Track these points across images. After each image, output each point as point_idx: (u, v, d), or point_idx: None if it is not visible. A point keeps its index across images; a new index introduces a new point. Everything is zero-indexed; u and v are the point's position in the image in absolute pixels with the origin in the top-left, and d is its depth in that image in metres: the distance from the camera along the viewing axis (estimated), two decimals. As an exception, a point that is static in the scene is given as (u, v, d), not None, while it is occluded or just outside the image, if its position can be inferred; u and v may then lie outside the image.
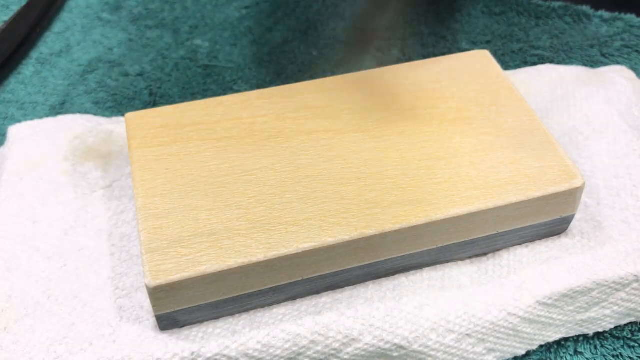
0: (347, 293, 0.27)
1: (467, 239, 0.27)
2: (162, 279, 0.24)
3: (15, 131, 0.33)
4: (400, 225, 0.25)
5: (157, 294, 0.24)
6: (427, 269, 0.28)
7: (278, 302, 0.26)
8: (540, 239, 0.29)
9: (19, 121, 0.37)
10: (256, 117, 0.30)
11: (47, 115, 0.38)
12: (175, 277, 0.24)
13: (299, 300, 0.27)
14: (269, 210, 0.26)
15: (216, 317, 0.26)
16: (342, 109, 0.30)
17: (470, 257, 0.28)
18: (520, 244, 0.28)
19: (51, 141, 0.33)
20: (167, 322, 0.25)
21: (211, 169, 0.27)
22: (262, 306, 0.26)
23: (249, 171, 0.27)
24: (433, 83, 0.31)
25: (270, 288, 0.25)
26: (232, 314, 0.26)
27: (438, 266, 0.28)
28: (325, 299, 0.26)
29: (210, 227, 0.25)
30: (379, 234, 0.25)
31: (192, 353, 0.25)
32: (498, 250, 0.28)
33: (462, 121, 0.29)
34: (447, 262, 0.28)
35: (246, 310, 0.26)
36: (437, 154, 0.28)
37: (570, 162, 0.28)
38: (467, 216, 0.26)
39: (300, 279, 0.26)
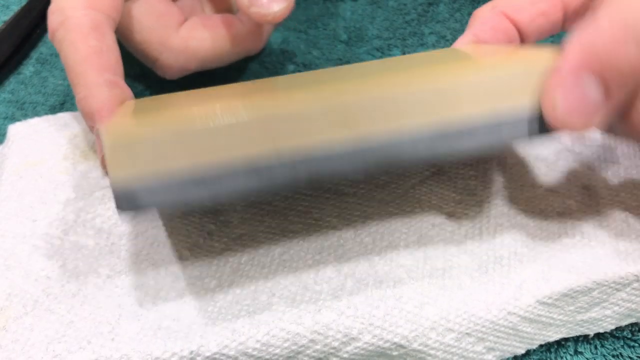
0: (346, 290, 0.27)
1: (463, 125, 0.24)
2: (121, 136, 0.22)
3: (15, 130, 0.33)
4: (381, 91, 0.23)
5: (113, 152, 0.22)
6: (428, 267, 0.28)
7: (252, 188, 0.23)
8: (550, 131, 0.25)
9: (19, 121, 0.37)
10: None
11: (47, 115, 0.38)
12: (134, 130, 0.22)
13: (298, 299, 0.26)
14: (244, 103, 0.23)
15: (182, 204, 0.23)
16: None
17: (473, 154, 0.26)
18: (532, 138, 0.25)
19: (51, 140, 0.33)
20: (125, 200, 0.22)
21: (183, 104, 0.26)
22: (234, 193, 0.23)
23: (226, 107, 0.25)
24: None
25: (240, 168, 0.23)
26: (200, 202, 0.23)
27: (438, 264, 0.28)
28: (324, 295, 0.26)
29: (177, 120, 0.23)
30: (357, 100, 0.23)
31: (191, 352, 0.25)
32: (505, 143, 0.25)
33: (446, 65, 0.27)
34: (445, 158, 0.25)
35: (217, 200, 0.24)
36: (427, 68, 0.26)
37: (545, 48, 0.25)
38: (454, 87, 0.23)
39: (273, 149, 0.22)
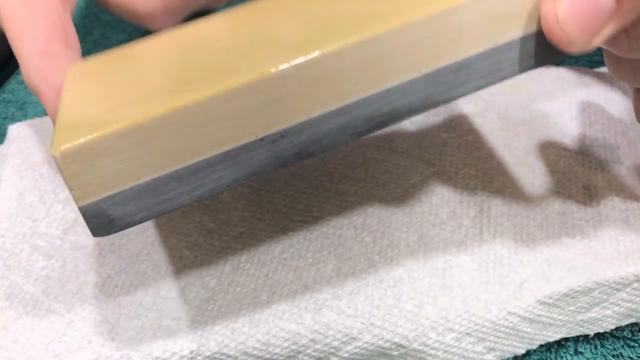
0: (347, 289, 0.27)
1: (459, 59, 0.21)
2: (71, 145, 0.19)
3: (15, 130, 0.33)
4: (362, 36, 0.20)
5: (67, 166, 0.19)
6: (428, 267, 0.28)
7: (237, 179, 0.21)
8: (551, 57, 0.23)
9: (19, 121, 0.37)
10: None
11: (47, 116, 0.38)
12: (86, 138, 0.19)
13: (298, 297, 0.26)
14: (203, 63, 0.21)
15: (163, 210, 0.21)
16: None
17: (472, 90, 0.22)
18: (529, 67, 0.23)
19: (52, 140, 0.33)
20: (99, 221, 0.20)
21: (146, 68, 0.23)
22: (218, 187, 0.21)
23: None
24: None
25: (218, 155, 0.20)
26: (182, 203, 0.21)
27: (438, 264, 0.28)
28: (324, 295, 0.26)
29: (133, 93, 0.21)
30: (336, 52, 0.20)
31: (192, 352, 0.25)
32: (505, 76, 0.22)
33: None
34: (443, 102, 0.22)
35: (200, 196, 0.21)
36: None
37: None
38: (451, 12, 0.20)
39: (254, 137, 0.20)
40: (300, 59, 0.19)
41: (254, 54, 0.20)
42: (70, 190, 0.20)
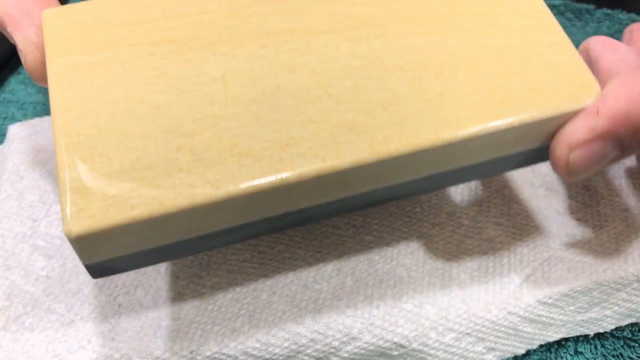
0: (347, 289, 0.27)
1: (459, 166, 0.23)
2: (85, 227, 0.19)
3: (15, 130, 0.33)
4: (378, 157, 0.21)
5: (80, 244, 0.20)
6: (428, 267, 0.28)
7: (233, 241, 0.23)
8: (546, 160, 0.24)
9: (19, 121, 0.37)
10: (203, 13, 0.24)
11: (47, 115, 0.38)
12: (101, 224, 0.19)
13: (298, 297, 0.26)
14: (218, 137, 0.21)
15: (158, 262, 0.22)
16: (310, 0, 0.24)
17: (462, 184, 0.24)
18: (524, 165, 0.24)
19: (51, 140, 0.33)
20: (99, 270, 0.21)
21: (146, 83, 0.22)
22: (214, 248, 0.22)
23: (193, 85, 0.22)
24: None
25: (221, 230, 0.21)
26: (181, 257, 0.22)
27: (438, 264, 0.28)
28: (324, 294, 0.26)
29: (144, 159, 0.21)
30: (353, 168, 0.21)
31: (191, 352, 0.25)
32: (496, 174, 0.24)
33: (460, 17, 0.24)
34: (434, 191, 0.24)
35: (199, 252, 0.22)
36: (427, 62, 0.23)
37: (588, 74, 0.23)
38: (460, 142, 0.22)
39: (257, 218, 0.21)
40: (312, 171, 0.21)
41: (270, 155, 0.21)
42: (78, 255, 0.20)
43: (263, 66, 0.23)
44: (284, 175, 0.20)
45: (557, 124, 0.22)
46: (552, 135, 0.23)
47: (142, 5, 0.24)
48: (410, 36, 0.23)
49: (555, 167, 0.23)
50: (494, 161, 0.23)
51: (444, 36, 0.24)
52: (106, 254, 0.20)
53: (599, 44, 0.26)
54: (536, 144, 0.23)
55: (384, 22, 0.24)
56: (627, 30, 0.29)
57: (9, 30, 0.26)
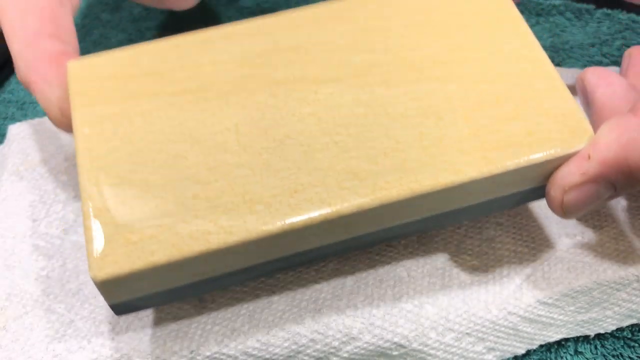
0: (347, 289, 0.27)
1: (457, 208, 0.24)
2: (109, 272, 0.21)
3: (15, 130, 0.33)
4: (380, 202, 0.22)
5: (105, 287, 0.21)
6: (428, 267, 0.28)
7: (246, 279, 0.24)
8: (542, 198, 0.25)
9: (19, 121, 0.37)
10: (217, 63, 0.25)
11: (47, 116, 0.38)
12: (123, 269, 0.21)
13: (298, 297, 0.26)
14: (231, 184, 0.22)
15: (178, 300, 0.24)
16: (317, 50, 0.26)
17: (461, 223, 0.25)
18: (521, 204, 0.26)
19: (51, 140, 0.33)
20: (122, 308, 0.23)
21: (165, 133, 0.24)
22: (229, 286, 0.24)
23: (208, 135, 0.24)
24: (424, 14, 0.27)
25: (234, 271, 0.23)
26: (196, 296, 0.24)
27: (438, 264, 0.28)
28: (324, 294, 0.26)
29: (163, 207, 0.22)
30: (356, 212, 0.22)
31: (192, 352, 0.25)
32: (493, 213, 0.25)
33: (459, 64, 0.25)
34: (433, 230, 0.25)
35: (211, 291, 0.24)
36: (427, 109, 0.24)
37: (582, 117, 0.24)
38: (458, 187, 0.23)
39: (268, 259, 0.23)
40: (319, 216, 0.22)
41: (279, 201, 0.22)
42: (103, 296, 0.22)
43: (273, 115, 0.24)
44: (293, 220, 0.22)
45: (552, 166, 0.23)
46: (547, 176, 0.24)
47: (159, 56, 0.25)
48: (411, 83, 0.25)
49: (551, 207, 0.24)
50: (491, 202, 0.24)
51: (443, 83, 0.25)
52: (128, 295, 0.22)
53: (595, 76, 0.27)
54: (532, 185, 0.24)
55: (386, 70, 0.25)
56: (626, 54, 0.29)
57: (30, 89, 0.28)
